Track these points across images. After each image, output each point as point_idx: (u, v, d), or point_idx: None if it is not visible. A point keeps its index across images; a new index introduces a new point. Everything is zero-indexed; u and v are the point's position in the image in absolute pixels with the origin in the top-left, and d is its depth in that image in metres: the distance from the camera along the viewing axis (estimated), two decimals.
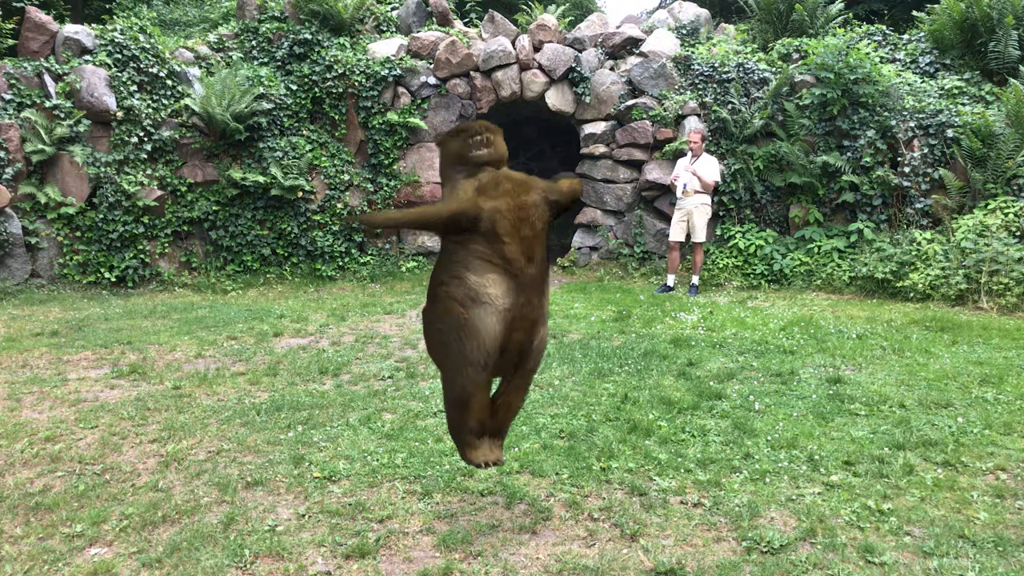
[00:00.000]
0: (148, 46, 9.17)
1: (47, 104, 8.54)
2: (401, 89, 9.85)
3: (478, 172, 2.61)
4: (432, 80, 9.88)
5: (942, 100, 8.77)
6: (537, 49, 10.06)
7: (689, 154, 8.61)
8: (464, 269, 2.52)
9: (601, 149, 9.97)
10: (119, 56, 8.96)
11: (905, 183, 8.54)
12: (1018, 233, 7.55)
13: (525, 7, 11.51)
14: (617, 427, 3.87)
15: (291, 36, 9.76)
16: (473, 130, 2.65)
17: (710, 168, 8.43)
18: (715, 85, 9.60)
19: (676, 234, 8.55)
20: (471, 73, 9.96)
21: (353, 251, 9.72)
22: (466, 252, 2.53)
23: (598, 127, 9.97)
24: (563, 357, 5.32)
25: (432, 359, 2.78)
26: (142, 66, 9.06)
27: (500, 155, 2.68)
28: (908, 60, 9.73)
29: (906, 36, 10.09)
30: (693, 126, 9.25)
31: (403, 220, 2.93)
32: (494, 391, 2.75)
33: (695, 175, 8.38)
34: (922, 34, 9.83)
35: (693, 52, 9.97)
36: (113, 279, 8.66)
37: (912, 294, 7.69)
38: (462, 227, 2.50)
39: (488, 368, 2.53)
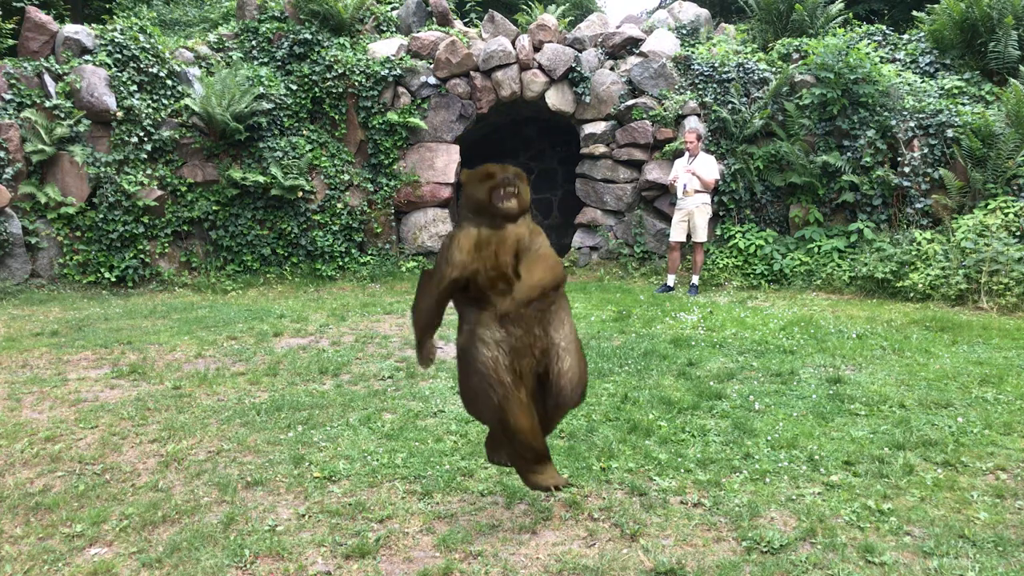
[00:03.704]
0: (148, 46, 9.17)
1: (47, 104, 8.54)
2: (401, 89, 9.85)
3: (491, 223, 2.62)
4: (432, 80, 9.88)
5: (942, 100, 8.77)
6: (537, 49, 10.06)
7: (687, 154, 8.61)
8: (464, 321, 2.72)
9: (601, 149, 9.97)
10: (119, 56, 8.96)
11: (905, 183, 8.54)
12: (1018, 233, 7.55)
13: (525, 7, 11.51)
14: (617, 427, 3.87)
15: (291, 36, 9.76)
16: (503, 179, 2.61)
17: (709, 167, 8.43)
18: (715, 85, 9.59)
19: (677, 234, 8.54)
20: (471, 73, 9.96)
21: (353, 251, 9.72)
22: (467, 303, 2.70)
23: (598, 127, 9.97)
24: None
25: (470, 412, 2.85)
26: (142, 66, 9.06)
27: (524, 206, 2.67)
28: (908, 60, 9.73)
29: (906, 36, 10.09)
30: (691, 126, 9.25)
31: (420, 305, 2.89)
32: None
33: (695, 175, 8.38)
34: (922, 34, 9.83)
35: (693, 52, 9.97)
36: (113, 279, 8.66)
37: (912, 294, 7.69)
38: (459, 288, 2.67)
39: (508, 385, 2.58)
